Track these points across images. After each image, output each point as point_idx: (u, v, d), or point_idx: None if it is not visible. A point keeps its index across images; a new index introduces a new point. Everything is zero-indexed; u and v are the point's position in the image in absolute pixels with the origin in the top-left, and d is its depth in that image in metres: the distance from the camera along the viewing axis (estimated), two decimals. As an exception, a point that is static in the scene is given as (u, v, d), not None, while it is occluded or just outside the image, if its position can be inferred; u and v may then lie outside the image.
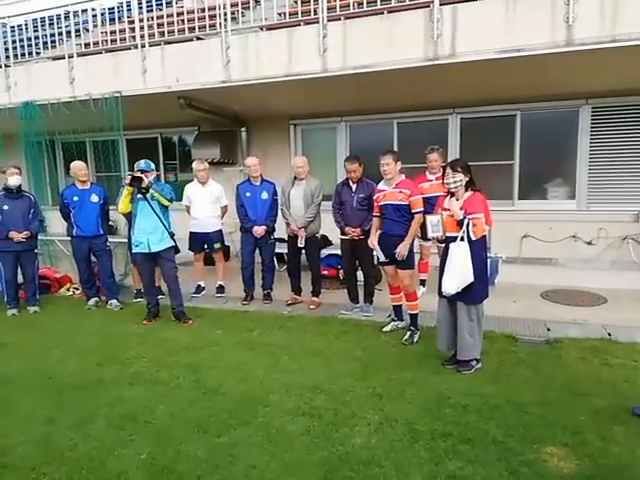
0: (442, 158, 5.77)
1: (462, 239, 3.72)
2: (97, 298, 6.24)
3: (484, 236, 3.80)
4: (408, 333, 4.66)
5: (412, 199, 4.51)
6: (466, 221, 3.70)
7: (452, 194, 3.88)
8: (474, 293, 3.76)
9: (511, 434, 2.94)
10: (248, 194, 5.92)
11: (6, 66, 7.51)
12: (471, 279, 3.69)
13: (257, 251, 6.05)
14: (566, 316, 5.12)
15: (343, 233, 5.29)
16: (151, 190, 5.08)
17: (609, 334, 4.52)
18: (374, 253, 4.90)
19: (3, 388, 3.87)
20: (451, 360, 3.99)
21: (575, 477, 2.55)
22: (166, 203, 5.27)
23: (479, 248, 3.76)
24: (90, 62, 7.02)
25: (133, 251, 5.34)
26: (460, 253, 3.72)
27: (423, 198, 4.67)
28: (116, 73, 6.74)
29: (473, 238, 3.69)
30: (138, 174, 5.02)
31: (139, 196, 5.13)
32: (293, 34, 5.79)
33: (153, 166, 5.32)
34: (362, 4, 5.65)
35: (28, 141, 7.52)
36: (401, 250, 4.49)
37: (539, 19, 4.85)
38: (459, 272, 3.71)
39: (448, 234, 3.85)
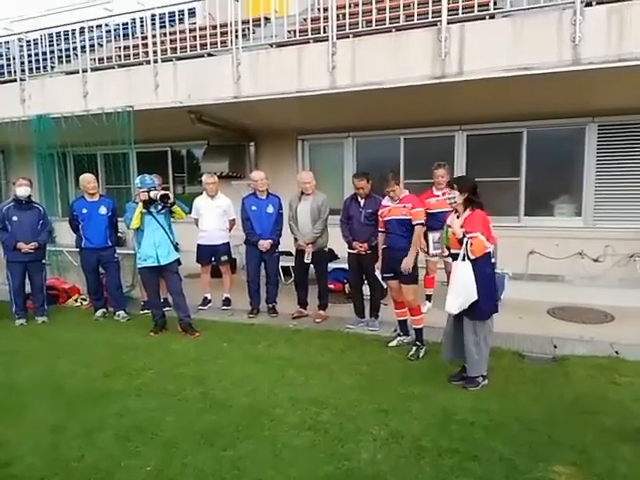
0: (449, 174, 5.84)
1: (464, 258, 3.74)
2: (104, 309, 6.28)
3: (487, 253, 3.78)
4: (414, 348, 4.65)
5: (413, 211, 4.57)
6: (465, 240, 3.72)
7: (456, 210, 3.91)
8: (479, 309, 3.76)
9: (518, 452, 2.93)
10: (254, 207, 5.98)
11: (21, 80, 7.67)
12: (474, 297, 3.69)
13: (263, 264, 6.09)
14: (573, 333, 5.10)
15: (350, 247, 5.32)
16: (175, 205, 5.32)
17: (616, 352, 4.50)
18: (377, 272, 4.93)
19: (11, 397, 3.91)
20: (457, 376, 3.98)
21: (583, 496, 2.53)
22: (184, 216, 5.51)
23: (483, 265, 3.75)
24: (103, 77, 7.16)
25: (140, 265, 5.38)
26: (462, 272, 3.74)
27: (430, 213, 4.72)
28: (128, 88, 6.87)
29: (471, 257, 3.69)
30: (166, 192, 5.25)
31: (144, 211, 5.22)
32: (303, 51, 5.90)
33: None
34: (371, 22, 5.76)
35: (40, 153, 7.66)
36: (405, 265, 4.53)
37: (546, 38, 4.91)
38: (461, 291, 3.73)
39: (453, 251, 3.88)
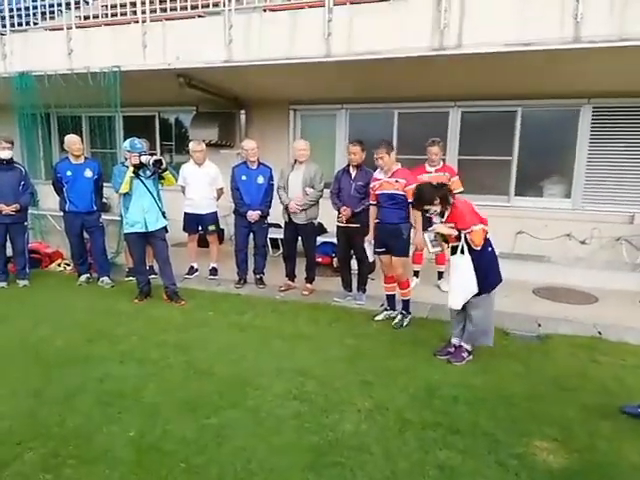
0: (442, 151, 5.81)
1: (462, 251, 3.72)
2: (88, 275, 6.18)
3: (486, 234, 3.78)
4: (399, 316, 4.75)
5: (408, 189, 4.51)
6: (462, 234, 3.70)
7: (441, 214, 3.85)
8: (486, 283, 3.77)
9: (500, 426, 2.96)
10: (244, 177, 5.85)
11: (1, 34, 7.32)
12: (475, 291, 3.72)
13: (251, 235, 6.01)
14: (557, 313, 5.15)
15: (339, 219, 5.26)
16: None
17: (599, 332, 4.56)
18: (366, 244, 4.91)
19: (-11, 360, 3.83)
20: (443, 350, 4.00)
21: (564, 472, 2.57)
22: (174, 183, 5.46)
23: (484, 248, 3.76)
24: (89, 34, 6.85)
25: (127, 231, 5.25)
26: (461, 266, 3.74)
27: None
28: (115, 47, 6.58)
29: (478, 249, 3.70)
30: (160, 157, 5.11)
31: (132, 175, 5.07)
32: (298, 16, 5.69)
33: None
34: (369, -11, 5.56)
35: (23, 113, 7.37)
36: (418, 245, 4.80)
37: (548, 14, 4.79)
38: (462, 286, 3.75)
39: (452, 244, 3.86)
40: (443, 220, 3.82)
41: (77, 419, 3.00)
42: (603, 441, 2.84)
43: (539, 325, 4.75)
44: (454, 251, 3.83)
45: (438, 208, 3.78)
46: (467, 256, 3.72)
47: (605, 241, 6.87)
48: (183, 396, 3.27)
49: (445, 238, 3.92)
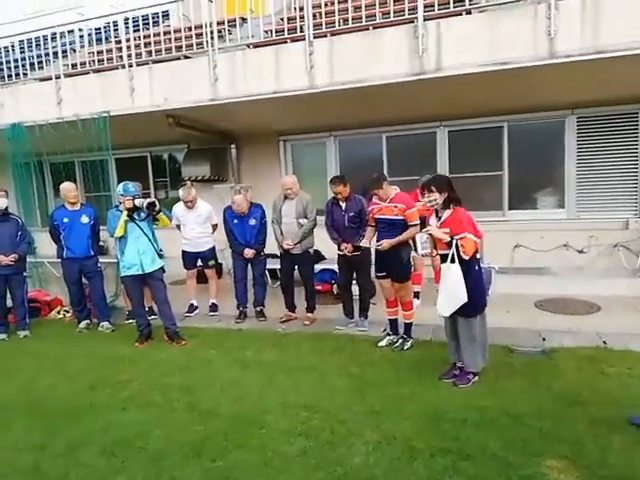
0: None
1: (452, 260, 3.70)
2: (88, 320, 6.15)
3: (476, 250, 3.79)
4: (400, 340, 4.74)
5: (408, 212, 4.55)
6: (454, 242, 3.67)
7: (436, 212, 3.86)
8: (470, 306, 3.73)
9: (510, 448, 2.91)
10: (235, 221, 5.91)
11: (-7, 88, 7.49)
12: (464, 299, 3.67)
13: (249, 266, 6.03)
14: (561, 325, 5.13)
15: (339, 248, 5.28)
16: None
17: (604, 342, 4.52)
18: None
19: (-8, 416, 3.78)
20: (448, 374, 3.96)
21: (576, 491, 2.52)
22: (169, 224, 5.49)
23: (471, 263, 3.74)
24: (77, 83, 7.02)
25: (124, 274, 5.25)
26: (451, 275, 3.71)
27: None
28: (104, 93, 6.74)
29: (465, 258, 3.66)
30: (153, 200, 5.16)
31: (127, 219, 5.11)
32: (280, 51, 5.85)
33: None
34: (347, 21, 5.74)
35: (16, 162, 7.47)
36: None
37: (522, 32, 4.93)
38: (451, 294, 3.71)
39: (441, 252, 3.86)
40: (439, 224, 3.80)
41: (81, 472, 2.95)
42: (614, 455, 2.79)
43: (544, 339, 4.71)
44: (444, 259, 3.82)
45: (440, 201, 3.76)
46: (457, 265, 3.68)
47: (602, 248, 6.89)
48: (188, 440, 3.22)
49: (435, 244, 3.92)
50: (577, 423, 3.16)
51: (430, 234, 3.85)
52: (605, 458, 2.77)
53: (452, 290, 3.70)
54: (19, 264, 5.85)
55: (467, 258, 3.66)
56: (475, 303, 3.75)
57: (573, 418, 3.23)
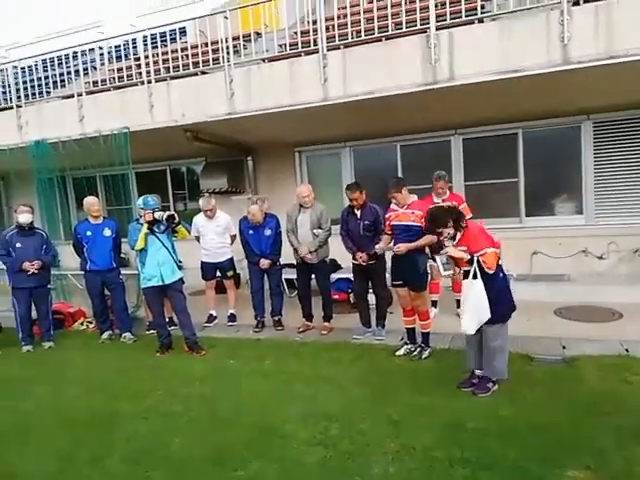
0: (447, 184, 5.92)
1: (475, 276, 3.69)
2: (110, 331, 6.28)
3: (498, 259, 3.78)
4: (418, 349, 4.74)
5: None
6: (475, 258, 3.67)
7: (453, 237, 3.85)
8: (498, 313, 3.72)
9: (531, 458, 2.89)
10: (251, 232, 6.00)
11: (17, 106, 7.73)
12: (488, 316, 3.66)
13: (266, 276, 6.11)
14: (581, 333, 5.06)
15: (355, 258, 5.31)
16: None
17: (627, 350, 4.45)
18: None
19: (18, 424, 3.89)
20: (467, 382, 3.95)
21: (599, 501, 2.49)
22: (188, 236, 5.64)
23: (497, 271, 3.75)
24: (98, 100, 7.22)
25: (145, 285, 5.37)
26: (474, 291, 3.69)
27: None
28: (124, 109, 6.92)
29: (491, 272, 3.67)
30: (172, 212, 5.33)
31: (147, 232, 5.23)
32: (294, 65, 5.94)
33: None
34: (360, 33, 5.80)
35: (40, 178, 7.70)
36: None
37: (535, 39, 4.94)
38: (475, 311, 3.70)
39: (463, 268, 3.85)
40: (455, 243, 3.80)
41: (105, 480, 3.01)
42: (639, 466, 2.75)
43: (564, 347, 4.66)
44: (467, 275, 3.82)
45: (451, 231, 3.76)
46: (479, 280, 3.68)
47: (623, 254, 6.79)
48: (210, 449, 3.27)
49: (456, 262, 3.92)
50: (600, 433, 3.11)
51: (450, 256, 3.86)
52: (630, 469, 2.73)
53: (476, 306, 3.69)
54: (44, 276, 6.00)
55: (491, 272, 3.67)
56: (504, 309, 3.76)
57: (596, 428, 3.19)
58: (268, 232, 5.98)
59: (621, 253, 6.80)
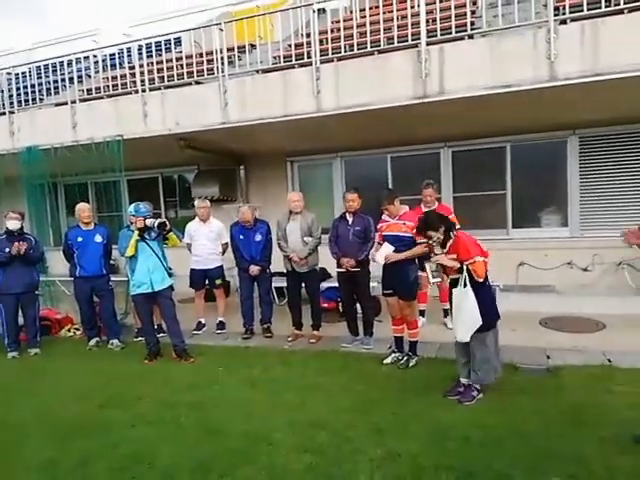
0: (436, 192, 6.03)
1: (464, 285, 3.78)
2: (98, 338, 6.25)
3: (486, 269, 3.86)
4: (405, 357, 4.80)
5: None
6: (464, 267, 3.76)
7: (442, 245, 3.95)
8: (483, 323, 3.78)
9: (515, 466, 2.93)
10: (241, 237, 6.05)
11: (10, 112, 7.73)
12: (480, 322, 3.74)
13: (255, 284, 6.14)
14: (566, 343, 5.14)
15: (339, 265, 5.36)
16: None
17: (609, 360, 4.54)
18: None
19: (4, 433, 3.85)
20: (453, 391, 4.00)
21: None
22: (178, 243, 5.63)
23: (482, 283, 3.83)
24: (92, 107, 7.24)
25: (134, 292, 5.37)
26: (464, 299, 3.78)
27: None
28: (117, 117, 6.95)
29: (480, 280, 3.76)
30: (164, 220, 5.36)
31: (138, 238, 5.25)
32: (288, 76, 6.03)
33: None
34: (353, 46, 5.91)
35: (31, 184, 7.68)
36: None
37: (523, 56, 5.06)
38: (468, 319, 3.78)
39: (451, 276, 3.94)
40: (445, 251, 3.91)
41: (92, 488, 3.00)
42: (622, 475, 2.80)
43: (548, 357, 4.73)
44: (454, 284, 3.90)
45: (441, 236, 3.88)
46: (469, 288, 3.77)
47: (607, 267, 6.91)
48: (197, 457, 3.27)
49: (445, 270, 4.00)
50: (584, 442, 3.17)
51: (439, 263, 3.94)
52: (612, 477, 2.78)
53: (467, 316, 3.77)
54: (31, 283, 5.96)
55: (481, 280, 3.76)
56: (489, 318, 3.83)
57: (579, 437, 3.24)
58: (259, 237, 6.03)
59: (605, 265, 6.92)
